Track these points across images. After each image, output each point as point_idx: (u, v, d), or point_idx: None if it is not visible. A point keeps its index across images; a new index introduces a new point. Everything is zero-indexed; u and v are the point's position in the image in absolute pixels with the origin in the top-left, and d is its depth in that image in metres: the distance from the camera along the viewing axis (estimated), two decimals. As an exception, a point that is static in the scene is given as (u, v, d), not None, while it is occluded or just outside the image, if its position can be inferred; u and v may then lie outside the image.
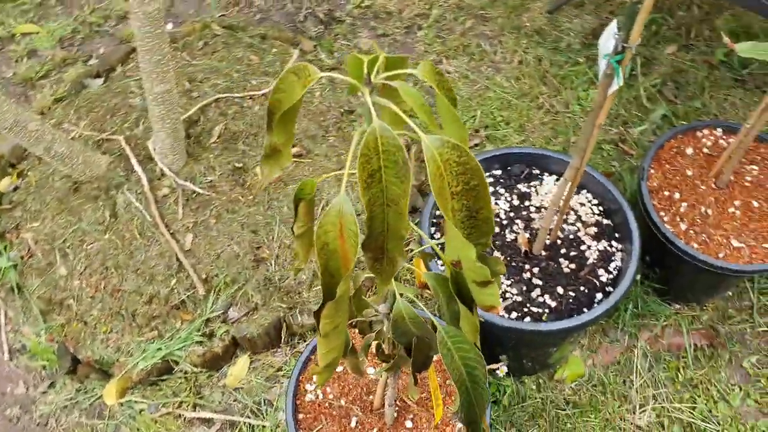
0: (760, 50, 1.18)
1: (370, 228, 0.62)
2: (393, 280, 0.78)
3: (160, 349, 1.71)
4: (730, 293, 1.85)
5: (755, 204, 1.60)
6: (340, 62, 2.39)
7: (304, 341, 1.82)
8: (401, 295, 0.84)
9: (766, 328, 1.81)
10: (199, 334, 1.72)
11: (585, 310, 1.42)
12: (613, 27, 1.07)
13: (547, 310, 1.44)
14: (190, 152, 1.94)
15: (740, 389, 1.72)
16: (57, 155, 1.77)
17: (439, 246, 0.86)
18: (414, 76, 0.62)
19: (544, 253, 1.52)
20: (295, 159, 2.01)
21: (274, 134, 0.69)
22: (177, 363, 1.72)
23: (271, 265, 1.82)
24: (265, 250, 1.84)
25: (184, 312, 1.75)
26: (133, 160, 1.90)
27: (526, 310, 1.44)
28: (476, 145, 2.15)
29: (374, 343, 1.01)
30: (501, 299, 1.47)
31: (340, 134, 2.10)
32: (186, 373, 1.74)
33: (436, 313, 1.73)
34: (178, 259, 1.79)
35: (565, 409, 1.68)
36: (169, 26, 2.53)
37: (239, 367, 1.76)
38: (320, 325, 0.69)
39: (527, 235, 1.55)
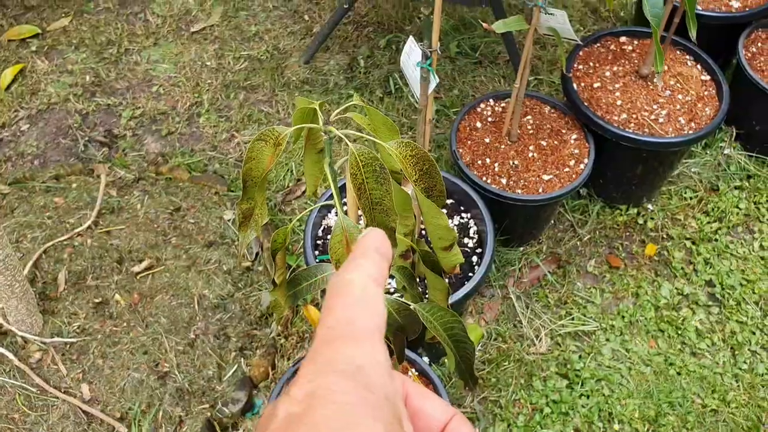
0: (510, 24, 1.50)
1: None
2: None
3: (107, 504, 1.63)
4: (553, 221, 2.22)
5: (543, 143, 1.96)
6: (141, 172, 2.43)
7: (236, 429, 1.85)
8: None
9: (588, 236, 2.20)
10: (140, 470, 1.68)
11: (471, 274, 1.66)
12: (411, 42, 1.31)
13: (443, 289, 1.65)
14: (43, 309, 1.86)
15: (596, 289, 2.08)
16: None
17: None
18: (355, 105, 0.79)
19: (417, 246, 1.74)
20: (147, 272, 2.02)
21: (247, 201, 0.81)
22: None
23: (176, 374, 1.82)
24: (164, 364, 1.84)
25: (113, 458, 1.69)
26: (-12, 341, 1.79)
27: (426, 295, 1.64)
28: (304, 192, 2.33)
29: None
30: (390, 293, 1.66)
31: (179, 232, 2.14)
32: None
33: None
34: (84, 412, 1.72)
35: (484, 368, 1.90)
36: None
37: (191, 483, 1.74)
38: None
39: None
